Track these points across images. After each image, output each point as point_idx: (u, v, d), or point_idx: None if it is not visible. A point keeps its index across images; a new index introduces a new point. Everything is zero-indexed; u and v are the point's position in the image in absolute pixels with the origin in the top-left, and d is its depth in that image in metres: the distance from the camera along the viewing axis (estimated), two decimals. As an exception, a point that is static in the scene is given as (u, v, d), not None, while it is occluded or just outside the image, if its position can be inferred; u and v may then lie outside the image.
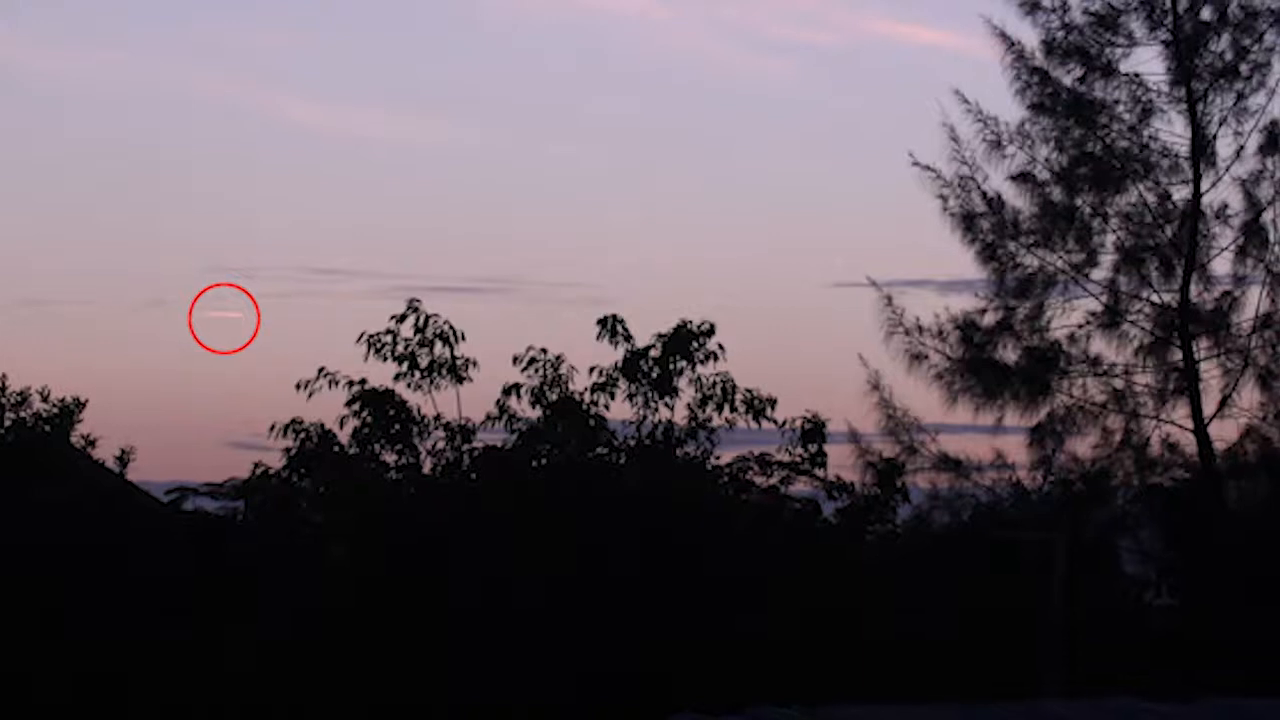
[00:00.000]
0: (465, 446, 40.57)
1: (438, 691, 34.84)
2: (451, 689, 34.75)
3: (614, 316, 40.46)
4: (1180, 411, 32.59)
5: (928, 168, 32.96)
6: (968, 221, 32.84)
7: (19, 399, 47.20)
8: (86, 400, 48.08)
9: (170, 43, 70.38)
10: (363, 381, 40.41)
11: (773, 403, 40.16)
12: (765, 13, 65.95)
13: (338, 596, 36.32)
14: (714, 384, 40.24)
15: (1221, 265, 32.94)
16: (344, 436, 40.83)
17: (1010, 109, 32.93)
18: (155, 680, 36.20)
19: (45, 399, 47.36)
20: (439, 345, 40.43)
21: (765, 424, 40.15)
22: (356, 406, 40.56)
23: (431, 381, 40.40)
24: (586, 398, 40.42)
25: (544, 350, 40.74)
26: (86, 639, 36.93)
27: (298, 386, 41.04)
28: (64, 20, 70.63)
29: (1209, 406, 32.49)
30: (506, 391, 40.60)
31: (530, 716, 34.30)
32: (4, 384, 47.40)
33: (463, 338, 40.73)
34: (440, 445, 40.59)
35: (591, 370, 40.48)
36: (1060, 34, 32.81)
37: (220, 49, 70.39)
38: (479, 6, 68.31)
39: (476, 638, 34.84)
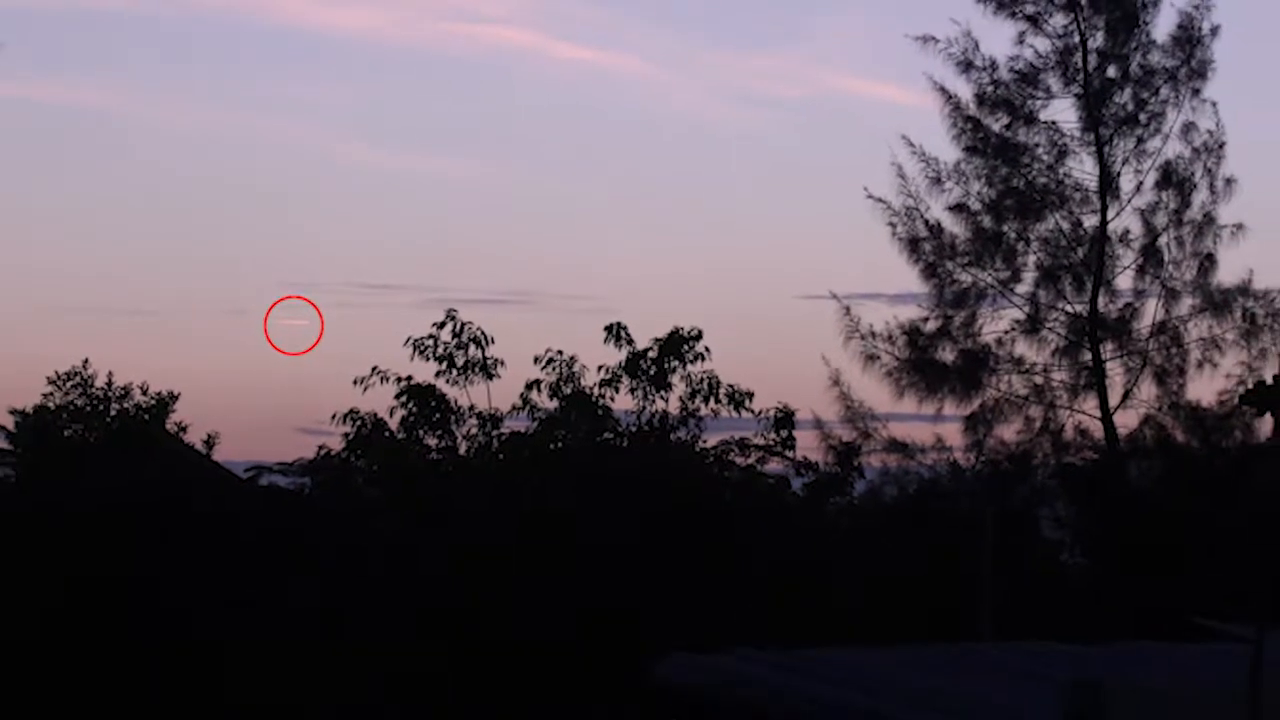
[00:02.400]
0: (494, 432, 40.27)
1: (474, 629, 34.61)
2: (482, 627, 34.51)
3: (618, 324, 40.19)
4: (1090, 403, 32.53)
5: (880, 200, 32.91)
6: (913, 244, 32.75)
7: (123, 392, 46.90)
8: (179, 394, 47.75)
9: (249, 98, 70.15)
10: (409, 378, 40.06)
11: (750, 395, 39.86)
12: (746, 71, 65.75)
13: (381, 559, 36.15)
14: (701, 380, 39.92)
15: (1124, 281, 32.95)
16: (393, 424, 40.48)
17: (948, 151, 32.86)
18: (229, 626, 35.95)
19: (145, 392, 47.06)
20: (472, 348, 40.09)
21: (744, 413, 39.85)
22: (404, 399, 40.20)
23: (466, 378, 40.06)
24: (595, 391, 40.08)
25: (560, 352, 40.41)
26: (177, 591, 36.58)
27: (355, 382, 40.70)
28: (166, 79, 70.45)
29: (1114, 399, 32.44)
30: (529, 386, 40.25)
31: (546, 651, 34.07)
32: (110, 380, 47.21)
33: (492, 341, 40.40)
34: (473, 431, 40.29)
35: (599, 369, 40.14)
36: (990, 88, 32.71)
37: (290, 103, 70.15)
38: (502, 63, 68.01)
39: (499, 588, 34.62)
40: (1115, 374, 32.56)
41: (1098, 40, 32.46)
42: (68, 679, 36.09)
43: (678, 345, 40.10)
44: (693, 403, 39.86)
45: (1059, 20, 32.44)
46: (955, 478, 33.10)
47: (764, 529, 36.82)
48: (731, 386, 40.05)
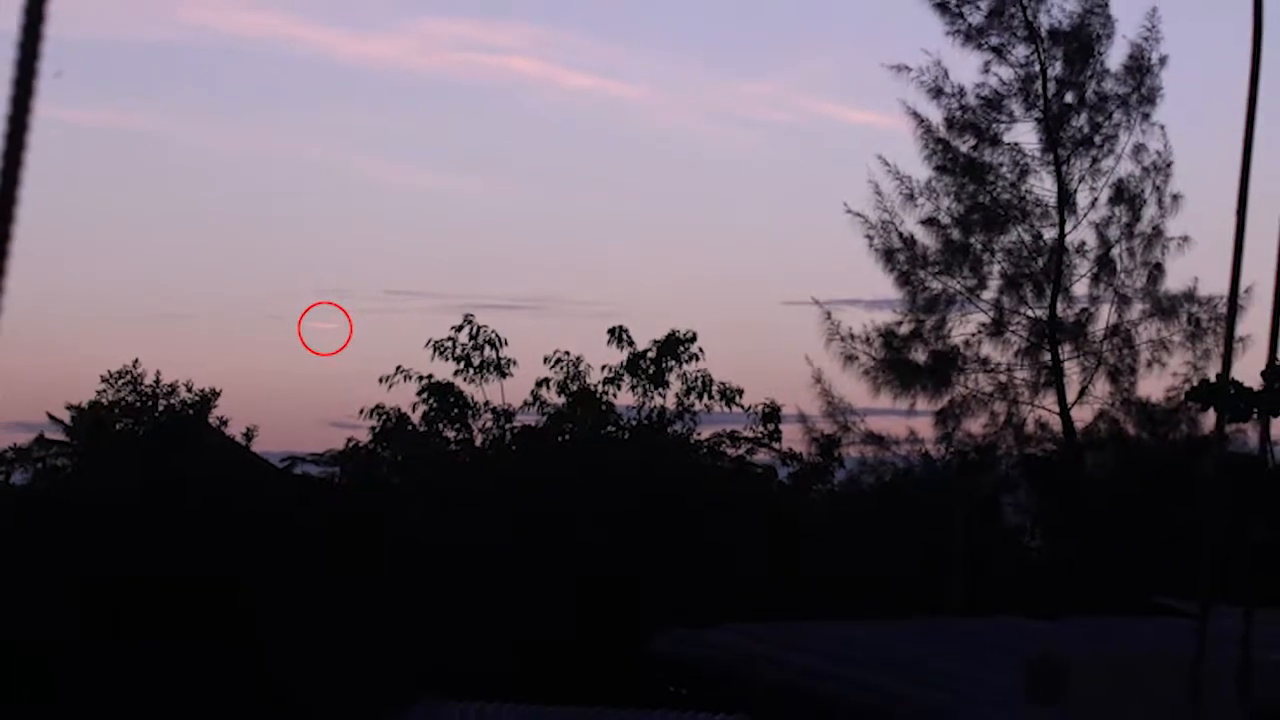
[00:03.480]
0: (507, 425, 40.17)
1: (506, 590, 34.55)
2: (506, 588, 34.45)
3: (620, 327, 40.09)
4: (1049, 399, 32.38)
5: (858, 214, 32.75)
6: (888, 255, 32.62)
7: (169, 389, 46.76)
8: (220, 391, 47.63)
9: (284, 121, 69.99)
10: (430, 377, 39.97)
11: (740, 392, 39.73)
12: (737, 97, 65.56)
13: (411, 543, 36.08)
14: (696, 378, 39.82)
15: (1080, 288, 32.76)
16: (415, 418, 40.44)
17: (920, 170, 32.69)
18: (266, 596, 35.87)
19: (189, 390, 46.92)
20: (487, 349, 40.01)
21: (734, 408, 39.75)
22: (425, 395, 40.12)
23: (482, 376, 39.96)
24: (599, 389, 40.04)
25: (567, 353, 40.33)
26: (218, 565, 36.51)
27: (380, 380, 40.59)
28: (208, 104, 70.25)
29: (1071, 395, 32.30)
30: (539, 384, 40.15)
31: (549, 618, 33.99)
32: (158, 378, 47.15)
33: (505, 343, 40.31)
34: (488, 425, 40.20)
35: (603, 368, 40.04)
36: (958, 113, 32.58)
37: (322, 126, 70.02)
38: (514, 90, 67.90)
39: (514, 564, 34.56)
40: (1072, 373, 32.48)
41: (1056, 69, 32.37)
42: (123, 648, 36.02)
43: (674, 346, 40.05)
44: (688, 399, 39.81)
45: (1021, 51, 32.35)
46: (927, 467, 33.03)
47: (752, 514, 36.75)
48: (723, 384, 39.98)
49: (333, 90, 70.20)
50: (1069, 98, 32.47)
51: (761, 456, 40.50)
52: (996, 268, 32.68)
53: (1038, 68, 32.37)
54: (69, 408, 46.79)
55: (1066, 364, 32.40)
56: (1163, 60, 32.66)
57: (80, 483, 42.01)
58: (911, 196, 32.65)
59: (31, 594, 36.20)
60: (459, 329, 39.83)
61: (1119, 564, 28.27)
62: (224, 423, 47.04)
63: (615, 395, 39.85)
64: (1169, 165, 32.55)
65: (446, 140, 70.09)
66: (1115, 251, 32.59)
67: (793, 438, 38.60)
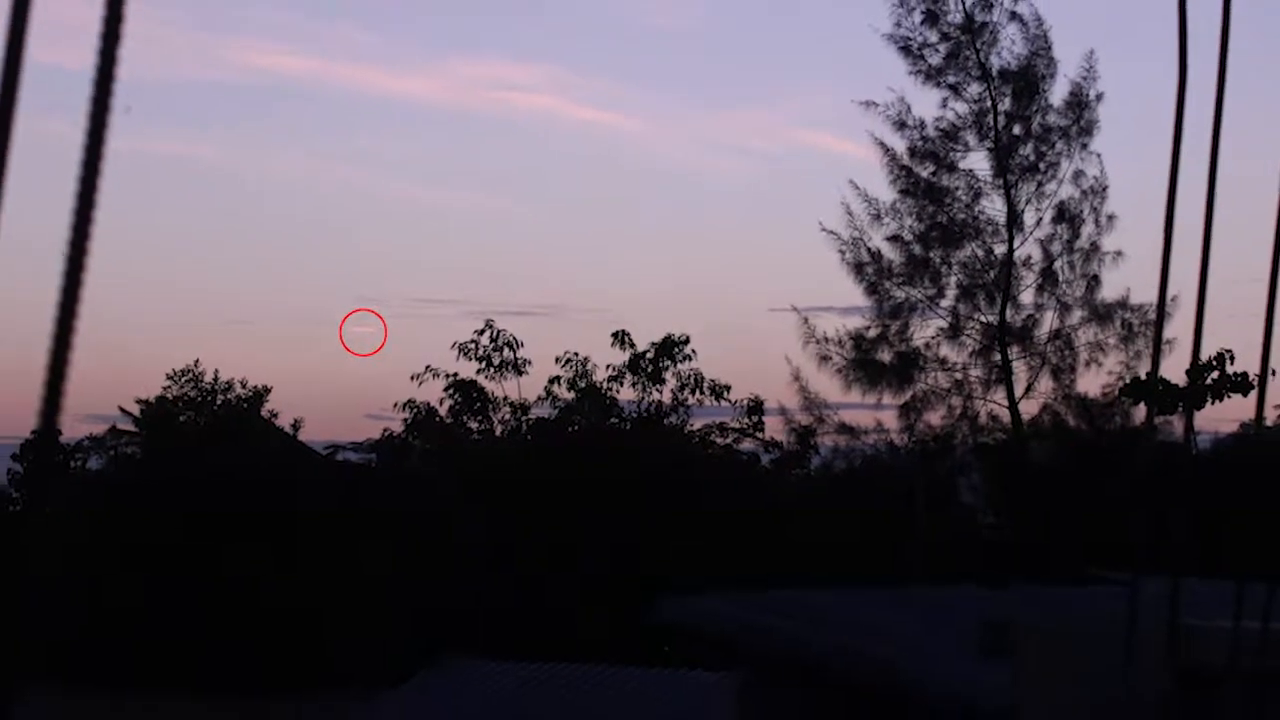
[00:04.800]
0: (523, 418, 40.19)
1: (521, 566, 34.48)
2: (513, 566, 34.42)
3: (623, 331, 40.09)
4: (999, 394, 32.36)
5: (832, 231, 32.76)
6: (858, 268, 32.60)
7: (226, 385, 46.88)
8: (271, 387, 47.78)
9: (328, 148, 70.01)
10: (455, 375, 39.98)
11: (728, 388, 39.77)
12: (727, 128, 65.57)
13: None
14: (689, 376, 39.83)
15: (1027, 297, 32.75)
16: (443, 411, 40.48)
17: (886, 192, 32.71)
18: (306, 570, 35.81)
19: (244, 386, 47.07)
20: (506, 350, 40.03)
21: (723, 403, 39.81)
22: (451, 391, 40.12)
23: (501, 374, 39.98)
24: (604, 385, 40.07)
25: (576, 353, 40.37)
26: (271, 543, 36.45)
27: (412, 378, 40.63)
28: (264, 133, 70.22)
29: (1019, 391, 32.27)
30: (551, 381, 40.19)
31: (557, 588, 33.93)
32: (216, 376, 47.26)
33: (522, 345, 40.39)
34: (507, 417, 40.23)
35: (607, 367, 40.10)
36: (919, 143, 32.57)
37: (360, 152, 69.99)
38: (531, 122, 67.93)
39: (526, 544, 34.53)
40: (1020, 371, 32.46)
41: (1006, 105, 32.35)
42: (181, 610, 35.97)
43: (670, 348, 40.07)
44: (682, 394, 39.86)
45: (975, 88, 32.35)
46: (892, 454, 32.99)
47: (738, 494, 36.73)
48: (713, 381, 40.05)
49: (371, 122, 70.20)
50: (1017, 129, 32.46)
51: (746, 445, 40.57)
52: (953, 279, 32.67)
53: (989, 103, 32.36)
54: (138, 402, 46.88)
55: (1015, 363, 32.39)
56: (1099, 97, 32.71)
57: (147, 468, 41.98)
58: (878, 216, 32.66)
59: (106, 563, 36.20)
60: (481, 333, 39.84)
61: (1060, 539, 28.25)
62: (274, 415, 47.20)
63: (618, 391, 39.87)
64: (1105, 189, 32.59)
65: (470, 166, 70.10)
66: (1057, 265, 32.59)
67: (774, 428, 38.66)
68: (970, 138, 32.51)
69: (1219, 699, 4.21)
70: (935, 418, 32.40)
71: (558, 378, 39.94)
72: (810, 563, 30.96)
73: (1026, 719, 4.36)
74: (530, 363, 40.03)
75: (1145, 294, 32.31)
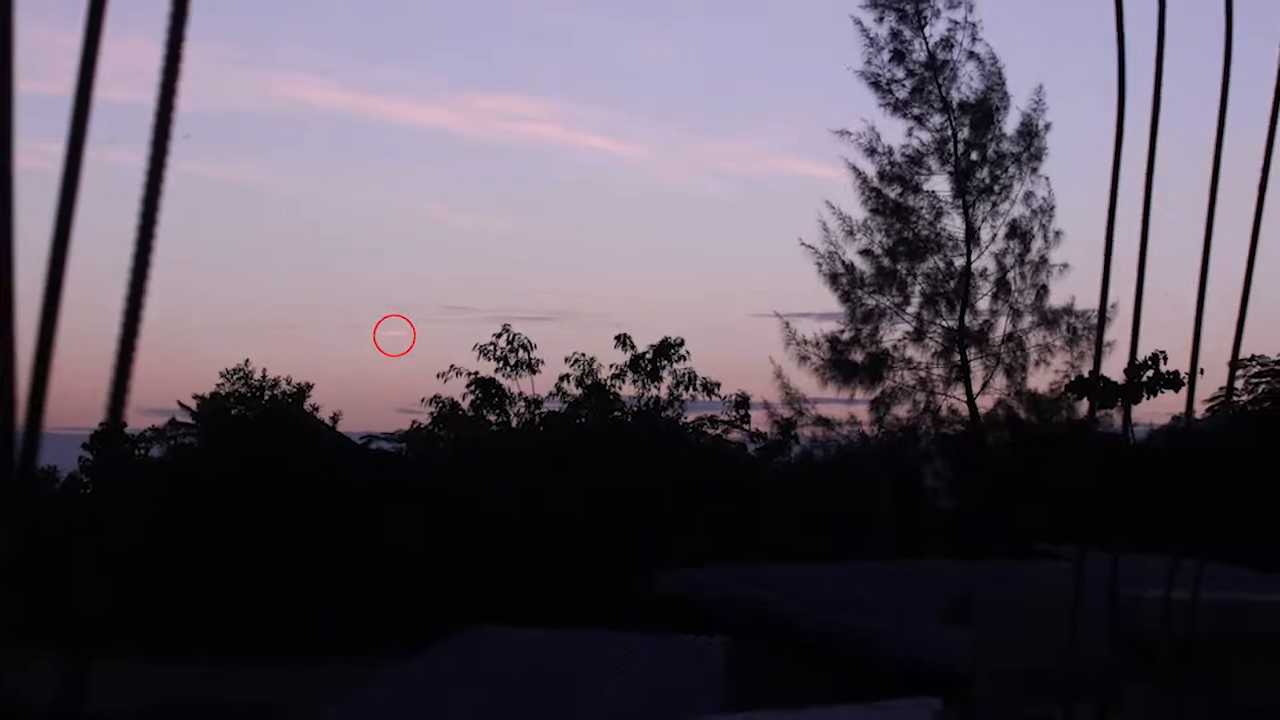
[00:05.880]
0: (536, 411, 40.24)
1: (527, 539, 34.47)
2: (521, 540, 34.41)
3: (625, 334, 40.19)
4: (959, 391, 32.34)
5: (810, 246, 32.72)
6: (833, 278, 32.57)
7: (273, 383, 46.84)
8: (313, 384, 47.76)
9: (362, 173, 69.98)
10: (476, 373, 40.03)
11: (718, 385, 39.84)
12: (717, 154, 65.46)
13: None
14: (684, 374, 39.90)
15: (983, 304, 32.68)
16: (465, 405, 40.53)
17: (858, 211, 32.69)
18: (337, 551, 35.79)
19: (288, 383, 47.01)
20: (521, 351, 40.08)
21: (713, 398, 39.87)
22: (472, 387, 40.17)
23: (516, 373, 40.02)
24: (608, 383, 40.11)
25: (583, 354, 40.44)
26: (311, 529, 36.47)
27: (437, 375, 40.69)
28: (303, 160, 70.16)
29: (976, 387, 32.28)
30: (561, 379, 40.25)
31: (567, 562, 33.88)
32: (264, 373, 47.23)
33: (535, 346, 40.47)
34: (522, 410, 40.27)
35: (611, 366, 40.17)
36: (888, 167, 32.54)
37: (392, 176, 69.97)
38: (542, 149, 67.93)
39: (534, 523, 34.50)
40: (977, 370, 32.41)
41: (964, 133, 32.31)
42: (230, 579, 35.96)
43: (667, 349, 40.13)
44: (677, 390, 39.92)
45: (937, 119, 32.30)
46: (863, 444, 32.95)
47: (727, 480, 36.74)
48: (705, 379, 40.12)
49: (402, 150, 70.18)
50: (974, 155, 32.43)
51: (734, 435, 40.61)
52: (918, 288, 32.64)
53: (950, 132, 32.35)
54: (195, 397, 46.86)
55: (972, 363, 32.37)
56: (1047, 126, 32.68)
57: (203, 456, 41.99)
58: (851, 232, 32.65)
59: (168, 541, 36.21)
60: (499, 336, 39.90)
61: (1013, 519, 28.21)
62: (316, 409, 47.20)
63: (620, 387, 39.94)
64: (1052, 208, 32.56)
65: (489, 188, 70.09)
66: (1010, 276, 32.55)
67: (759, 420, 38.68)
68: (933, 163, 32.51)
69: (1152, 660, 4.21)
70: (902, 411, 32.40)
71: (567, 376, 40.01)
72: (791, 540, 30.97)
73: (982, 680, 4.35)
74: (542, 362, 40.11)
75: (1088, 301, 32.33)
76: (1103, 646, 3.87)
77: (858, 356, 32.46)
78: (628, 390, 39.80)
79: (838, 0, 35.22)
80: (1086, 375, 31.12)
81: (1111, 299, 4.05)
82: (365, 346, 72.84)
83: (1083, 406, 31.68)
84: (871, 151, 32.57)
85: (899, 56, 32.10)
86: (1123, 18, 3.90)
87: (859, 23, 32.10)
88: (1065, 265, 32.66)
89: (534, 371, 39.94)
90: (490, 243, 67.80)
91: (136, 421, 46.12)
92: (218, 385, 46.73)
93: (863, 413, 32.65)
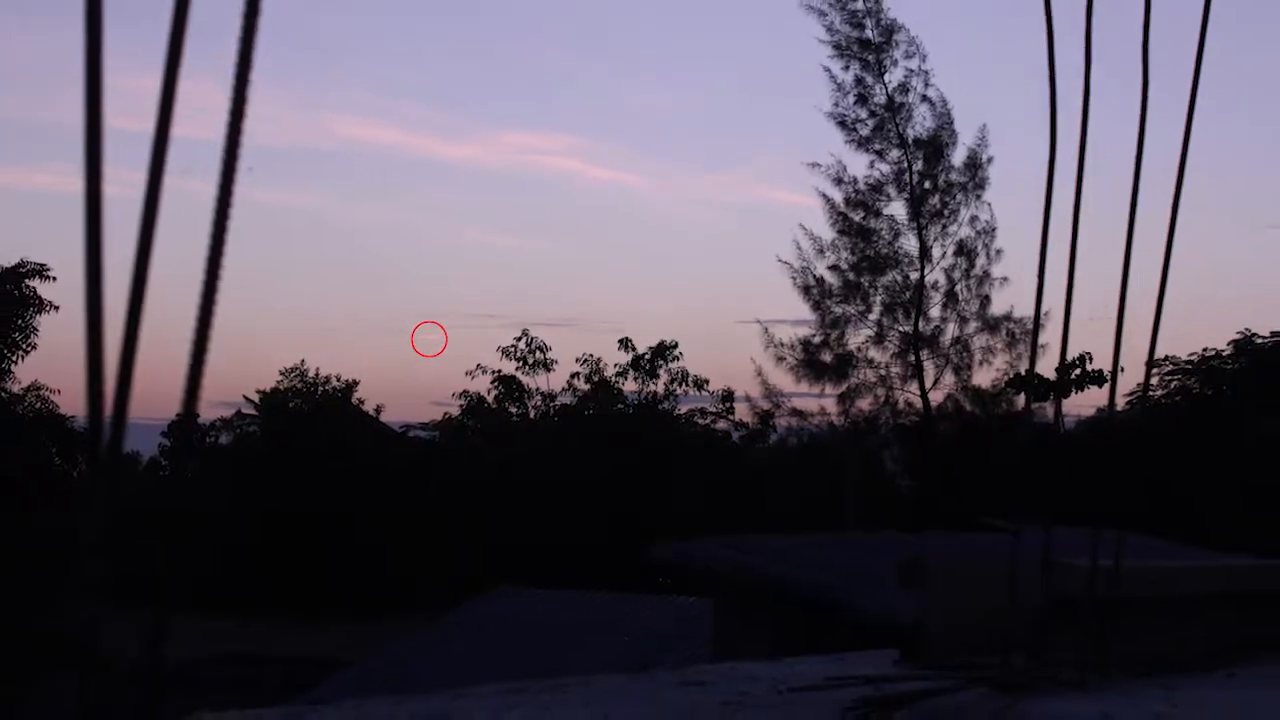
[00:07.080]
0: (551, 404, 40.20)
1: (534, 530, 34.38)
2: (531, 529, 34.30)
3: (627, 338, 40.14)
4: (914, 387, 32.33)
5: (786, 262, 32.73)
6: (806, 290, 32.56)
7: (325, 380, 46.84)
8: (359, 380, 47.77)
9: (399, 198, 70.02)
10: (499, 371, 39.99)
11: (707, 381, 39.79)
12: (708, 184, 65.52)
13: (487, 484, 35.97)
14: (678, 372, 39.87)
15: (935, 312, 32.66)
16: (490, 399, 40.47)
17: (827, 232, 32.69)
18: (379, 525, 35.75)
19: (339, 379, 47.04)
20: (538, 353, 40.05)
21: (703, 392, 39.83)
22: (495, 384, 40.12)
23: (534, 371, 39.98)
24: (613, 380, 40.08)
25: (591, 355, 40.42)
26: (358, 496, 36.39)
27: (466, 373, 40.66)
28: (348, 187, 70.28)
29: (929, 384, 32.28)
30: (572, 376, 40.25)
31: (576, 533, 33.80)
32: (318, 371, 47.27)
33: (550, 348, 40.48)
34: (538, 404, 40.22)
35: (615, 365, 40.18)
36: (852, 194, 32.51)
37: (424, 202, 70.03)
38: (558, 179, 67.90)
39: (548, 502, 34.43)
40: (929, 369, 32.41)
41: (919, 165, 32.30)
42: (288, 554, 35.90)
43: (663, 351, 40.11)
44: (672, 386, 39.92)
45: (895, 153, 32.31)
46: (832, 433, 32.94)
47: (715, 463, 36.73)
48: (696, 376, 40.11)
49: (437, 179, 70.22)
50: (927, 184, 32.43)
51: (721, 425, 40.58)
52: (878, 298, 32.62)
53: (906, 164, 32.36)
54: (258, 391, 46.85)
55: (925, 363, 32.36)
56: (990, 159, 32.71)
57: (265, 443, 41.98)
58: (822, 250, 32.66)
59: (235, 516, 36.16)
60: (519, 339, 39.89)
61: (960, 497, 28.19)
62: (361, 402, 47.21)
63: (623, 384, 39.93)
64: (994, 230, 32.56)
65: (512, 213, 70.15)
66: (958, 287, 32.54)
67: (742, 412, 38.64)
68: (891, 191, 32.52)
69: (1078, 619, 4.23)
70: (865, 404, 32.41)
71: (577, 374, 40.02)
72: (770, 514, 30.96)
73: (932, 632, 4.37)
74: (556, 362, 40.11)
75: (1025, 309, 32.42)
76: (1036, 604, 3.88)
77: (827, 357, 32.47)
78: (629, 386, 39.84)
79: (810, 52, 35.23)
80: (1023, 373, 31.11)
81: (1045, 307, 4.05)
82: (404, 349, 72.97)
83: (1020, 400, 31.67)
84: (839, 181, 32.61)
85: (862, 100, 32.15)
86: (1054, 69, 3.92)
87: (828, 70, 32.17)
88: (1005, 278, 32.70)
89: (549, 370, 39.96)
90: (514, 259, 67.92)
91: (207, 413, 46.13)
92: (277, 381, 46.78)
93: (831, 405, 32.69)
